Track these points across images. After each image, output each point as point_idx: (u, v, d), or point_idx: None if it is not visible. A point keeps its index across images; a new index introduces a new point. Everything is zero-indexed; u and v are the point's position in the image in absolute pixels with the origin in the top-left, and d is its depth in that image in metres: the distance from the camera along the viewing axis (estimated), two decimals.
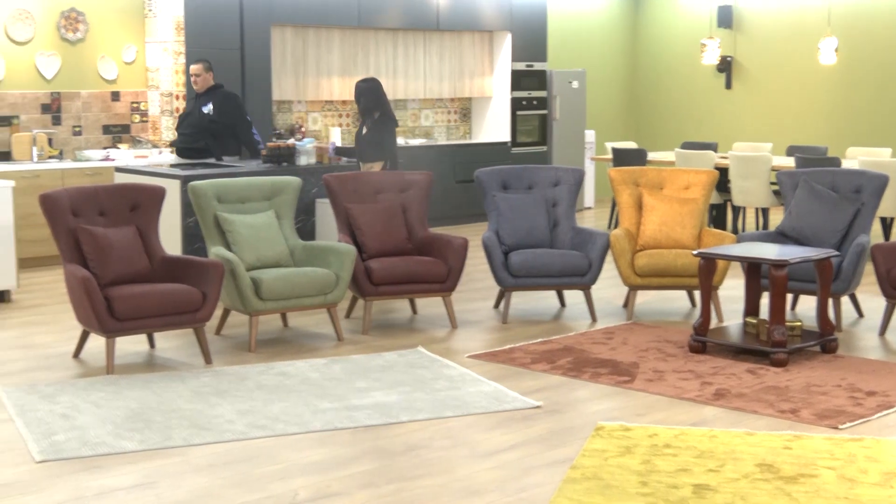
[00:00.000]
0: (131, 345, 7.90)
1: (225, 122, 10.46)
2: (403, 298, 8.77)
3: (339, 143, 10.53)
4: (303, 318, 8.84)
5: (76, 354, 7.65)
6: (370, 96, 9.81)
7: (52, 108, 11.72)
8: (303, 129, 13.00)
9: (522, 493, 5.22)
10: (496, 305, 9.22)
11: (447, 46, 14.45)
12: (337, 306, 8.20)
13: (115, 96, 12.14)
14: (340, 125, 13.72)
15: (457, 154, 14.34)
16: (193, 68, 10.61)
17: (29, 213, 10.33)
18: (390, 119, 9.88)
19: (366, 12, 13.36)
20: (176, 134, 10.96)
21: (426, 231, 8.88)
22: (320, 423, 6.20)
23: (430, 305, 9.28)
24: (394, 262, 8.43)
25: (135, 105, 12.29)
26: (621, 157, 13.24)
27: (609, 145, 14.02)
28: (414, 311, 9.09)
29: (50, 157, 11.51)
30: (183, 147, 10.60)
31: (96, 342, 7.78)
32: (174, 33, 11.98)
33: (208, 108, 10.47)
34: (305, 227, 9.77)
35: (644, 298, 9.52)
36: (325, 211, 9.68)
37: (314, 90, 13.31)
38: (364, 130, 9.90)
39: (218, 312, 8.42)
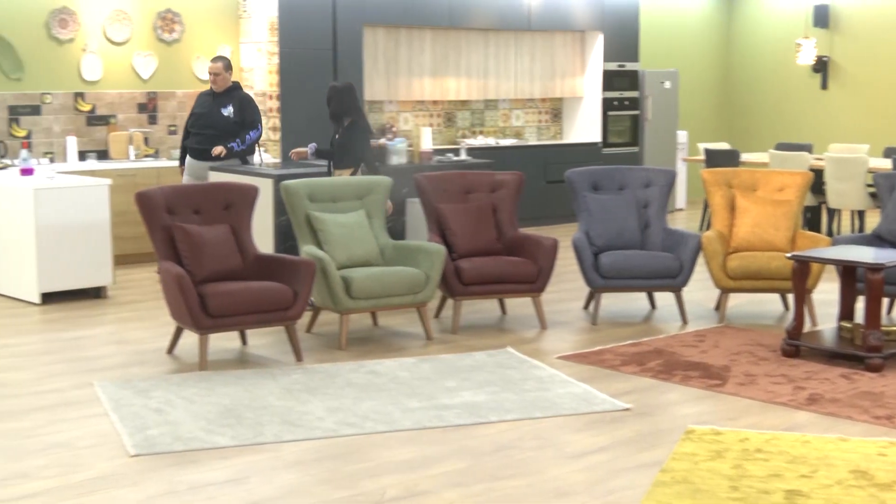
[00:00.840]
0: (224, 341, 8.00)
1: (247, 122, 10.21)
2: (493, 298, 8.77)
3: (430, 145, 10.50)
4: (392, 317, 8.88)
5: (170, 350, 7.77)
6: (339, 101, 9.07)
7: (149, 108, 11.91)
8: (394, 129, 13.05)
9: (611, 495, 5.20)
10: (586, 306, 9.19)
11: (538, 46, 14.42)
12: (426, 306, 8.22)
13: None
14: (431, 125, 13.76)
15: (547, 154, 14.30)
16: (213, 67, 10.30)
17: (125, 210, 10.51)
18: (362, 125, 9.13)
19: (457, 12, 13.38)
20: (185, 135, 10.52)
21: (516, 231, 8.87)
22: (409, 422, 6.23)
23: (519, 306, 9.27)
24: (483, 262, 8.43)
25: None
26: (714, 159, 13.11)
27: (701, 146, 13.89)
28: (503, 311, 9.09)
29: (146, 156, 11.70)
30: (200, 149, 10.23)
31: (190, 339, 7.89)
32: (268, 34, 12.10)
33: (229, 111, 10.24)
34: (396, 227, 9.82)
35: (736, 301, 9.42)
36: (415, 210, 9.71)
37: (405, 90, 13.36)
38: (336, 136, 9.22)
39: (309, 310, 8.49)
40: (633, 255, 8.69)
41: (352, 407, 6.49)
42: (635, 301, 9.53)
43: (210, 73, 10.28)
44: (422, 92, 13.51)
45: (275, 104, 12.11)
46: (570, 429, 6.16)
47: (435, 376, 7.14)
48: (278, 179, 9.14)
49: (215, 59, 10.32)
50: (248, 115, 10.25)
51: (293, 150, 9.73)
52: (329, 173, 9.27)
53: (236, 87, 10.37)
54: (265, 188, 9.17)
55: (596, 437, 6.02)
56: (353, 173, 8.98)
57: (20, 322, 8.75)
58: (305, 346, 7.92)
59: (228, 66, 10.29)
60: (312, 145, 9.51)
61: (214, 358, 7.60)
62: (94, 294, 9.65)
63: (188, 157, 10.39)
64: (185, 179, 10.34)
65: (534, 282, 8.47)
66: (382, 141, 10.29)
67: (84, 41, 11.46)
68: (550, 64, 14.57)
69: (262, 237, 9.00)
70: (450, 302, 9.13)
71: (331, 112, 9.13)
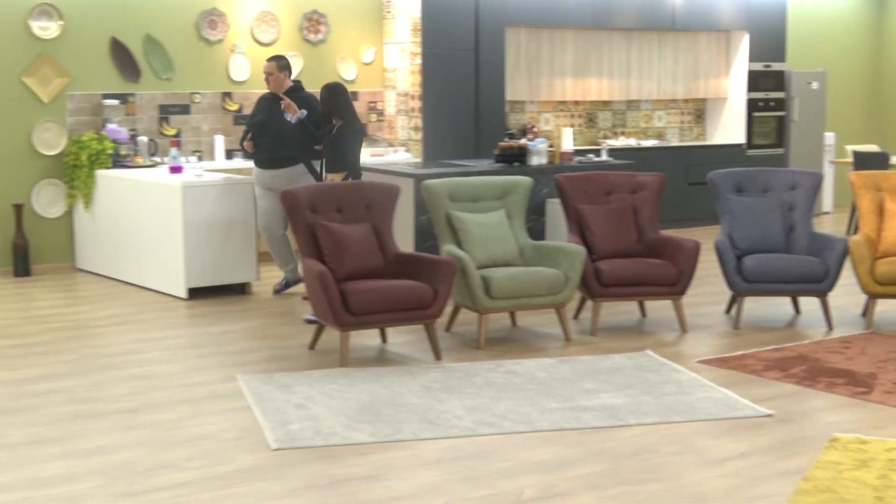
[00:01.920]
0: (364, 339, 8.09)
1: (328, 116, 9.06)
2: (632, 301, 8.70)
3: (571, 145, 10.46)
4: (531, 317, 8.87)
5: (311, 347, 7.88)
6: (328, 104, 8.84)
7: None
8: (535, 130, 13.03)
9: (752, 502, 5.12)
10: (728, 310, 9.06)
11: (682, 46, 14.26)
12: (565, 307, 8.19)
13: (354, 96, 12.43)
14: (573, 126, 13.71)
15: (690, 156, 14.13)
16: (266, 66, 9.51)
17: None
18: (353, 129, 8.87)
19: (600, 12, 13.31)
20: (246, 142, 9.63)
21: (657, 233, 8.79)
22: (547, 423, 6.22)
23: (659, 308, 9.19)
24: (624, 263, 8.38)
25: (372, 105, 12.57)
26: (863, 161, 12.81)
27: (850, 148, 13.58)
28: (643, 313, 9.01)
29: None
30: (265, 157, 9.50)
31: (331, 335, 7.99)
32: (410, 34, 12.20)
33: (293, 117, 9.23)
34: (535, 227, 9.81)
35: (884, 307, 9.18)
36: (555, 211, 9.69)
37: (547, 91, 13.33)
38: (328, 138, 8.94)
39: (448, 309, 8.54)
40: (778, 258, 8.54)
41: (490, 406, 6.50)
42: (779, 305, 9.36)
43: (264, 73, 9.52)
44: (563, 92, 13.46)
45: (416, 104, 12.20)
46: (710, 434, 6.08)
47: (573, 378, 7.12)
48: (420, 179, 9.21)
49: (270, 59, 9.57)
50: (327, 108, 8.99)
51: (288, 103, 9.13)
52: (319, 177, 9.19)
53: (297, 88, 9.52)
54: (406, 187, 9.25)
55: (736, 443, 5.94)
56: (346, 178, 8.76)
57: (168, 316, 8.97)
58: (444, 344, 7.96)
59: (283, 67, 9.48)
60: (303, 111, 9.13)
61: (355, 355, 7.69)
62: (238, 290, 9.84)
63: (254, 167, 9.68)
64: (257, 191, 9.68)
65: (674, 284, 8.38)
66: (523, 141, 10.29)
67: (232, 42, 11.69)
68: (694, 64, 14.39)
69: (403, 236, 9.08)
70: (589, 303, 9.09)
71: (322, 112, 8.95)
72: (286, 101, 9.15)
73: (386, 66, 12.58)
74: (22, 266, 10.63)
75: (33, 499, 5.12)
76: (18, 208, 10.58)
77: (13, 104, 10.65)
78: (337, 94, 8.89)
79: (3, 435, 6.01)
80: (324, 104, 8.91)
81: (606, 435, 6.05)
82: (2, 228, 10.66)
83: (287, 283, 9.81)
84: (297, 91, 9.46)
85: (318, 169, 9.24)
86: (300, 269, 9.67)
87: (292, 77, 9.66)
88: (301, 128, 9.18)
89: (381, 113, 12.62)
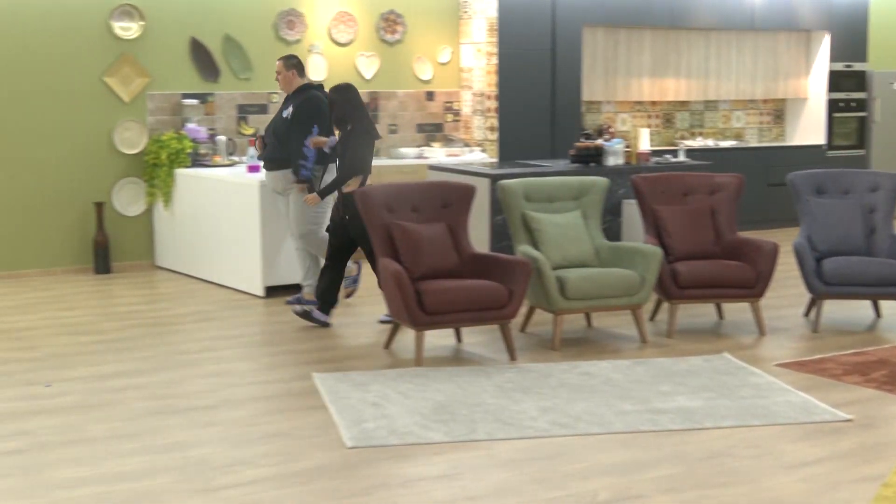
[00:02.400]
0: (439, 338, 8.09)
1: (300, 127, 8.94)
2: (709, 303, 8.62)
3: (648, 146, 10.38)
4: (607, 318, 8.82)
5: (387, 346, 7.90)
6: (341, 107, 8.45)
7: (371, 107, 12.13)
8: (611, 130, 12.95)
9: None
10: (806, 313, 8.94)
11: (761, 46, 14.10)
12: (641, 308, 8.14)
13: (430, 96, 12.46)
14: (649, 126, 13.62)
15: (769, 157, 13.98)
16: (277, 65, 9.26)
17: None
18: (365, 132, 8.48)
19: (678, 12, 13.20)
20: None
21: (735, 235, 8.70)
22: (622, 425, 6.18)
23: (737, 311, 9.09)
24: (701, 265, 8.30)
25: (448, 105, 12.58)
26: None
27: None
28: (720, 315, 8.92)
29: None
30: (267, 158, 9.25)
31: (406, 334, 8.01)
32: (487, 34, 12.19)
33: (288, 112, 9.05)
34: (612, 228, 9.76)
35: None
36: (631, 212, 9.63)
37: (623, 91, 13.25)
38: (339, 143, 8.64)
39: (523, 310, 8.52)
40: (858, 261, 8.41)
41: (564, 407, 6.47)
42: (859, 309, 9.22)
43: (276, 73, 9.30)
44: (640, 92, 13.38)
45: (493, 104, 12.18)
46: (788, 438, 6.00)
47: (649, 380, 7.07)
48: (495, 179, 9.20)
49: (280, 58, 9.27)
50: (303, 116, 8.94)
51: (313, 139, 8.81)
52: (313, 186, 8.91)
53: (306, 87, 9.13)
54: (482, 187, 9.25)
55: (815, 447, 5.86)
56: (362, 184, 8.41)
57: (245, 314, 9.05)
58: (519, 345, 7.94)
59: (292, 66, 9.14)
60: (333, 139, 8.85)
61: (430, 354, 7.70)
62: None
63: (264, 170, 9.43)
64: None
65: (752, 287, 8.29)
66: (599, 142, 10.24)
67: (310, 42, 11.76)
68: (773, 64, 14.23)
69: (479, 236, 9.08)
70: (665, 305, 9.02)
71: (334, 117, 8.56)
72: (315, 139, 8.84)
73: (462, 67, 12.58)
74: (102, 263, 10.78)
75: (111, 493, 5.19)
76: (99, 206, 10.74)
77: (95, 104, 10.80)
78: (347, 100, 8.49)
79: (83, 430, 6.10)
80: (335, 107, 8.52)
81: (682, 438, 6.00)
82: (83, 226, 10.81)
83: (299, 300, 9.20)
84: (304, 91, 9.09)
85: (321, 174, 8.98)
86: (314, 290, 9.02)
87: (312, 79, 9.47)
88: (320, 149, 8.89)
89: (456, 113, 12.62)
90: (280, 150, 9.07)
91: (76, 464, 5.55)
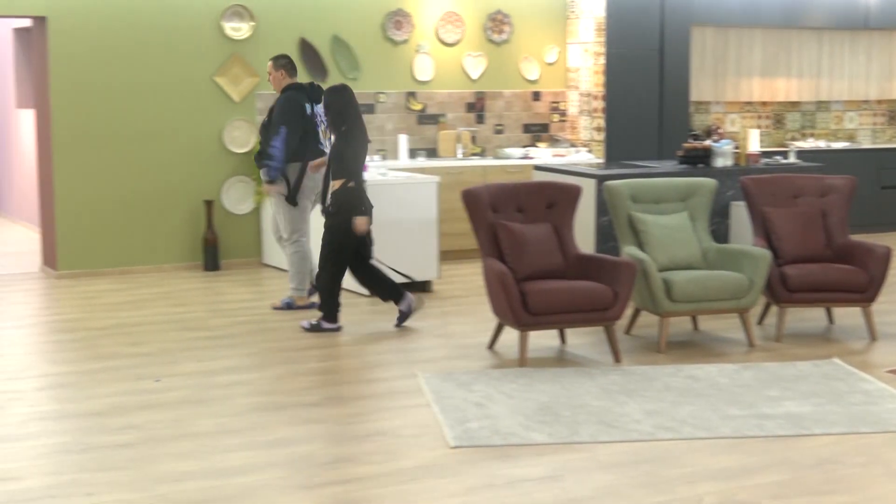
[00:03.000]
0: (543, 339, 8.06)
1: (273, 125, 8.98)
2: (819, 307, 8.46)
3: (757, 147, 10.24)
4: (713, 321, 8.72)
5: (491, 346, 7.90)
6: (335, 109, 8.31)
7: (477, 107, 12.15)
8: (720, 131, 12.81)
9: None
10: None
11: (876, 46, 13.81)
12: (749, 312, 8.02)
13: (536, 96, 12.43)
14: (759, 127, 13.42)
15: (882, 158, 13.68)
16: (268, 65, 9.26)
17: (452, 207, 10.77)
18: (360, 133, 8.35)
19: (791, 12, 13.00)
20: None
21: (846, 238, 8.53)
22: (729, 430, 6.09)
23: (847, 315, 8.92)
24: (811, 268, 8.15)
25: (554, 105, 12.54)
26: None
27: None
28: (830, 320, 8.76)
29: (473, 155, 11.95)
30: (256, 156, 9.30)
31: (510, 335, 7.99)
32: (594, 34, 12.12)
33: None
34: (719, 230, 9.64)
35: None
36: (740, 214, 9.50)
37: (733, 91, 13.09)
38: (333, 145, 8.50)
39: (628, 312, 8.45)
40: None
41: (670, 411, 6.41)
42: None
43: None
44: (750, 93, 13.20)
45: (599, 104, 12.11)
46: None
47: (756, 384, 6.96)
48: (601, 179, 9.14)
49: (271, 58, 9.26)
50: (273, 117, 8.98)
51: (313, 162, 8.96)
52: (288, 187, 8.93)
53: (286, 89, 9.06)
54: (588, 188, 9.19)
55: None
56: (344, 185, 8.26)
57: (350, 312, 9.09)
58: (624, 347, 7.88)
59: (280, 66, 9.11)
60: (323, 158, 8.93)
61: (534, 355, 7.67)
62: (420, 288, 9.92)
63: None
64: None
65: (864, 291, 8.12)
66: (708, 142, 10.12)
67: (417, 42, 11.81)
68: (888, 64, 13.93)
69: (584, 237, 9.03)
70: (774, 308, 8.88)
71: (329, 119, 8.43)
72: (316, 161, 8.95)
73: (569, 66, 12.53)
74: (211, 261, 10.93)
75: (217, 487, 5.25)
76: (209, 204, 10.89)
77: (205, 103, 10.96)
78: (344, 98, 8.35)
79: (190, 425, 6.19)
80: (329, 108, 8.37)
81: (790, 444, 5.89)
82: (193, 224, 10.98)
83: (289, 304, 9.19)
84: (284, 92, 9.03)
85: (299, 176, 8.96)
86: (313, 297, 9.18)
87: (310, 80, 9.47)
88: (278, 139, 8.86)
89: (563, 113, 12.58)
90: (262, 153, 9.09)
91: (183, 458, 5.63)
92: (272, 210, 9.28)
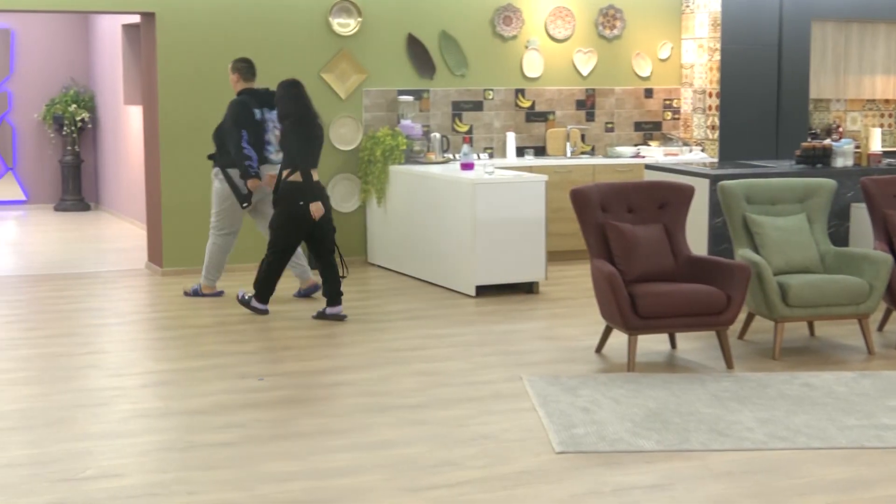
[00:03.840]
0: (653, 343, 8.01)
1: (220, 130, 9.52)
2: None
3: (880, 146, 10.06)
4: (831, 327, 8.57)
5: (598, 349, 7.86)
6: (281, 102, 8.82)
7: (587, 105, 12.11)
8: (840, 130, 12.58)
9: None
10: None
11: None
12: (869, 318, 7.88)
13: (648, 93, 12.35)
14: (882, 126, 13.17)
15: None
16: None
17: (560, 207, 10.74)
18: (300, 125, 8.72)
19: None
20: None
21: None
22: (845, 440, 5.99)
23: None
24: None
25: (667, 102, 12.44)
26: None
27: None
28: None
29: (582, 153, 11.91)
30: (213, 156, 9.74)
31: (619, 338, 7.95)
32: (709, 30, 12.00)
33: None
34: (838, 233, 9.48)
35: None
36: (860, 216, 9.34)
37: (855, 88, 12.85)
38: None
39: (742, 316, 8.35)
40: None
41: (783, 419, 6.32)
42: None
43: None
44: (873, 90, 12.94)
45: (714, 102, 11.99)
46: None
47: (876, 393, 6.83)
48: (715, 179, 9.05)
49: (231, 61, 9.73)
50: (229, 123, 9.39)
51: (269, 174, 9.36)
52: (234, 186, 9.38)
53: (243, 92, 9.50)
54: (701, 188, 9.11)
55: None
56: (290, 175, 8.67)
57: (455, 313, 9.13)
58: (736, 352, 7.79)
59: (235, 69, 9.57)
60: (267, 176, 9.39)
61: (642, 359, 7.62)
62: (526, 289, 9.92)
63: None
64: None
65: None
66: (828, 142, 9.96)
67: (526, 38, 11.80)
68: None
69: (696, 238, 8.94)
70: (894, 315, 8.70)
71: (278, 112, 8.91)
72: (264, 181, 9.37)
73: (683, 63, 12.42)
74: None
75: (320, 488, 5.31)
76: None
77: (313, 100, 11.02)
78: (289, 92, 8.82)
79: (294, 425, 6.26)
80: (278, 102, 8.90)
81: None
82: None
83: (195, 291, 9.69)
84: (241, 95, 9.46)
85: (243, 174, 9.31)
86: (214, 285, 9.73)
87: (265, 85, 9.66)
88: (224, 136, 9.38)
89: (676, 111, 12.47)
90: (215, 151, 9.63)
91: (286, 458, 5.70)
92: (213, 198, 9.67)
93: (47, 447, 5.87)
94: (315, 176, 8.77)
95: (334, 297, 8.88)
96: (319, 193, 8.75)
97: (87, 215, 15.34)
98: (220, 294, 9.71)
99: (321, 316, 8.89)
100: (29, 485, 5.34)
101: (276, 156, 9.35)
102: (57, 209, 15.57)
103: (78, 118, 15.16)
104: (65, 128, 15.25)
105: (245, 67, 9.58)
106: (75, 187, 15.56)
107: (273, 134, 9.40)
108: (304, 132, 8.75)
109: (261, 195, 9.48)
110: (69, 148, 15.44)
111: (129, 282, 10.52)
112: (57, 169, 15.67)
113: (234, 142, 9.28)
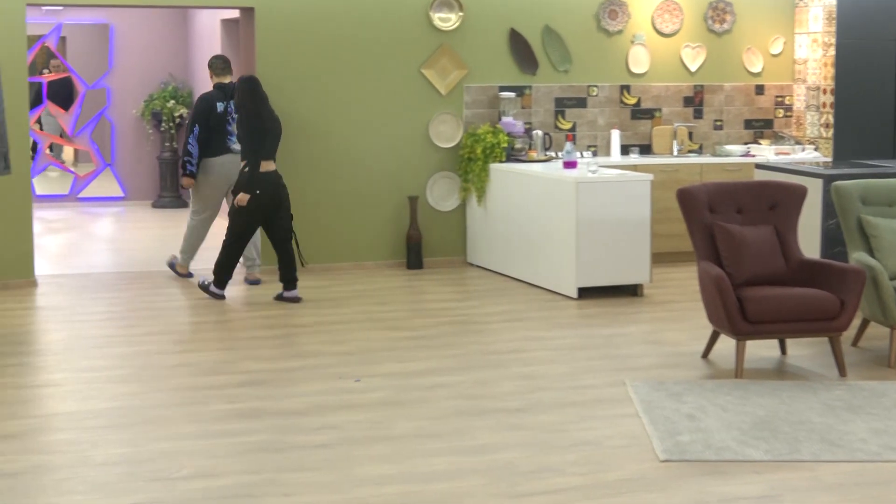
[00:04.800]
0: (762, 349, 7.91)
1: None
2: None
3: None
4: None
5: (705, 355, 7.79)
6: (237, 95, 9.60)
7: (695, 102, 12.00)
8: None
9: None
10: None
11: None
12: None
13: (759, 90, 12.20)
14: None
15: None
16: None
17: (666, 207, 10.66)
18: (248, 119, 9.43)
19: None
20: None
21: None
22: None
23: None
24: None
25: (779, 99, 12.29)
26: None
27: None
28: None
29: (689, 152, 11.81)
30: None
31: (726, 344, 7.86)
32: (824, 24, 11.83)
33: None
34: None
35: None
36: None
37: None
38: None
39: (856, 322, 8.21)
40: None
41: None
42: None
43: None
44: None
45: (828, 99, 11.81)
46: None
47: None
48: (829, 179, 8.91)
49: None
50: (189, 116, 10.58)
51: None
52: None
53: (215, 87, 10.40)
54: (814, 188, 8.97)
55: None
56: (245, 165, 9.42)
57: (556, 316, 9.11)
58: (850, 360, 7.67)
59: (209, 66, 10.50)
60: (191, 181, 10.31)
61: (751, 366, 7.54)
62: (630, 291, 9.86)
63: None
64: None
65: None
66: None
67: (632, 33, 11.73)
68: None
69: (808, 241, 8.82)
70: None
71: (234, 105, 9.81)
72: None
73: (796, 58, 12.25)
74: (415, 258, 11.08)
75: (416, 493, 5.33)
76: (413, 200, 11.05)
77: (413, 96, 11.12)
78: (243, 86, 9.52)
79: (390, 427, 6.29)
80: (235, 95, 9.70)
81: None
82: (397, 220, 11.15)
83: (171, 265, 10.69)
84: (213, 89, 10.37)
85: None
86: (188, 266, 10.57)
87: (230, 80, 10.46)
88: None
89: (788, 108, 12.31)
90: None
91: (382, 461, 5.73)
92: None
93: (142, 446, 5.97)
94: (272, 167, 9.43)
95: (289, 281, 9.60)
96: (270, 183, 9.40)
97: (184, 212, 15.55)
98: (190, 276, 10.53)
99: (280, 298, 9.64)
100: (124, 483, 5.43)
101: (236, 145, 10.00)
102: (155, 206, 15.82)
103: (176, 114, 15.39)
104: (163, 124, 15.49)
105: (217, 64, 10.42)
106: (173, 184, 15.79)
107: (234, 126, 10.21)
108: (256, 124, 9.39)
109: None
110: (167, 144, 15.68)
111: None
112: (155, 165, 15.92)
113: (186, 136, 10.22)
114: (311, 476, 5.54)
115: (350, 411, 6.57)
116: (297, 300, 9.56)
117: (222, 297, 9.63)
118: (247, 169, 9.36)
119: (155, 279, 10.58)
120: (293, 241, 9.63)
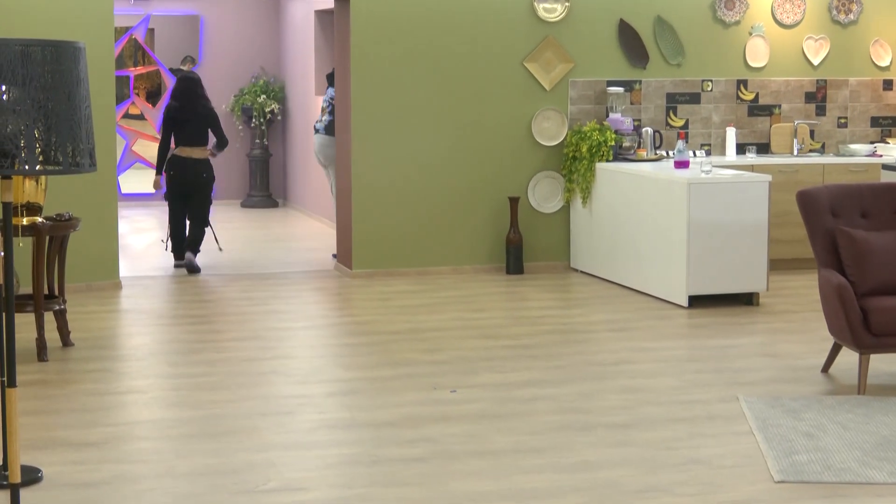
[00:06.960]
0: (887, 364, 7.82)
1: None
2: None
3: None
4: None
5: (825, 369, 7.70)
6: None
7: (817, 97, 11.88)
8: None
9: None
10: None
11: None
12: None
13: (888, 85, 12.04)
14: None
15: None
16: None
17: (785, 210, 10.57)
18: (172, 111, 11.57)
19: None
20: None
21: None
22: None
23: None
24: None
25: None
26: None
27: None
28: None
29: (810, 151, 11.69)
30: None
31: (848, 357, 7.77)
32: None
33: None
34: None
35: None
36: None
37: None
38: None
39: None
40: None
41: None
42: None
43: None
44: None
45: None
46: None
47: None
48: None
49: None
50: None
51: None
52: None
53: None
54: None
55: None
56: (161, 162, 11.62)
57: (665, 325, 9.07)
58: None
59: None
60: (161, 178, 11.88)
61: (874, 381, 7.44)
62: (744, 300, 9.78)
63: None
64: None
65: None
66: None
67: (751, 24, 11.64)
68: None
69: None
70: None
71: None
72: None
73: None
74: (515, 263, 11.09)
75: None
76: (514, 202, 11.06)
77: (515, 91, 11.14)
78: (178, 84, 11.83)
79: (488, 441, 6.31)
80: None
81: None
82: (496, 223, 11.17)
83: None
84: None
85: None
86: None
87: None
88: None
89: None
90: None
91: (480, 476, 5.75)
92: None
93: (229, 456, 6.05)
94: (193, 154, 11.38)
95: (193, 244, 11.36)
96: (178, 167, 11.35)
97: (274, 212, 15.77)
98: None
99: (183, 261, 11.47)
100: (210, 495, 5.51)
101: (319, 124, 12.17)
102: (244, 205, 16.04)
103: (267, 109, 15.58)
104: (253, 120, 15.68)
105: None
106: (263, 183, 16.00)
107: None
108: (171, 115, 11.47)
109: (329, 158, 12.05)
110: (257, 141, 15.89)
111: (316, 283, 10.76)
112: (245, 163, 16.13)
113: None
114: (404, 491, 5.57)
115: (445, 424, 6.60)
116: (194, 267, 11.25)
117: (181, 264, 11.46)
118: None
119: (242, 282, 10.73)
120: (210, 228, 11.78)
